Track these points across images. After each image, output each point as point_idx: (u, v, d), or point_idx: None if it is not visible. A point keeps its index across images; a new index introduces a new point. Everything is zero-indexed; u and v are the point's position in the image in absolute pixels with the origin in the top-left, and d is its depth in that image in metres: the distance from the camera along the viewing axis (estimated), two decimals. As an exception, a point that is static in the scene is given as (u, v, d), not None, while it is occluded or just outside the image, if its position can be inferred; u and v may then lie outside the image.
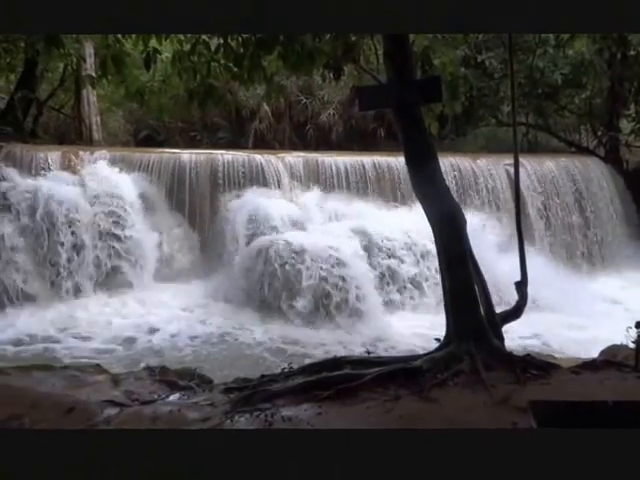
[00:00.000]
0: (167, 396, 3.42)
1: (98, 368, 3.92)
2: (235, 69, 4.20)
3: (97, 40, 5.89)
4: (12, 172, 7.69)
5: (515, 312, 3.78)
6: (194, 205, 8.31)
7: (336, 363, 3.44)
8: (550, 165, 9.34)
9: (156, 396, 3.42)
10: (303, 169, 8.68)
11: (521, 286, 3.82)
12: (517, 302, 3.80)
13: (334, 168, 8.65)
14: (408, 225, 7.59)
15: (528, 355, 3.51)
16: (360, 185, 8.63)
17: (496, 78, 8.53)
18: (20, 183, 7.56)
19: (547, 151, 11.41)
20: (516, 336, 5.03)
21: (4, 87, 11.42)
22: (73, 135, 11.15)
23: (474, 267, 3.60)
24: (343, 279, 6.98)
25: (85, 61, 8.98)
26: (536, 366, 3.34)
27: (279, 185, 8.42)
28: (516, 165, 4.12)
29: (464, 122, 10.22)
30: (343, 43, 4.47)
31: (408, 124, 3.59)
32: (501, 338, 3.56)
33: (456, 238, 3.58)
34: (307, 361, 4.27)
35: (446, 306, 3.59)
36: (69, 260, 7.42)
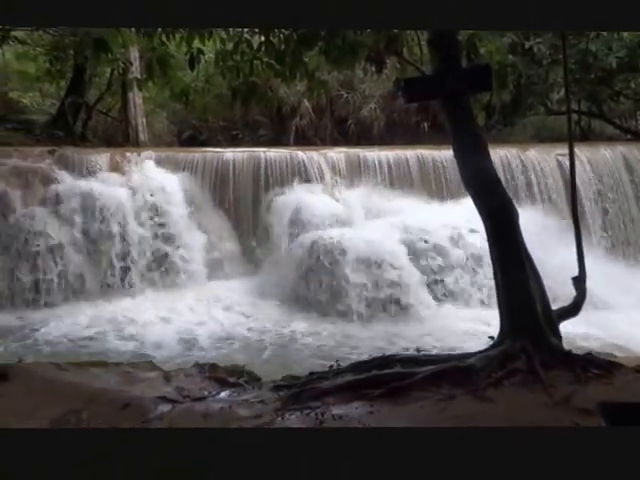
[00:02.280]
0: (217, 393, 3.46)
1: (150, 365, 4.01)
2: (277, 66, 4.20)
3: (142, 44, 6.03)
4: (64, 174, 8.01)
5: (573, 309, 3.61)
6: (238, 203, 8.40)
7: (386, 361, 3.39)
8: (605, 154, 8.87)
9: (206, 393, 3.47)
10: (345, 165, 8.62)
11: (579, 282, 3.64)
12: (575, 298, 3.63)
13: (377, 163, 8.55)
14: (455, 220, 7.40)
15: (589, 353, 3.34)
16: (404, 180, 8.49)
17: (545, 65, 8.17)
18: (72, 185, 7.86)
19: (601, 139, 10.87)
20: (574, 334, 4.80)
21: (55, 93, 11.91)
22: (120, 137, 11.50)
23: (528, 261, 3.47)
24: (388, 275, 6.89)
25: (132, 64, 9.23)
26: (598, 365, 3.18)
27: (322, 181, 8.40)
28: (571, 155, 3.92)
29: (512, 111, 9.86)
30: (385, 36, 4.39)
31: (456, 115, 3.47)
32: (559, 336, 3.41)
33: (509, 232, 3.46)
34: (355, 359, 4.22)
35: (499, 302, 3.47)
36: (119, 258, 7.67)
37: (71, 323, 6.74)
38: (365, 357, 3.91)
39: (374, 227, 7.66)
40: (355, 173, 8.57)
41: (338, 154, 8.85)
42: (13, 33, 9.69)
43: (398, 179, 8.50)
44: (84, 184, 7.85)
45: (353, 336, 6.34)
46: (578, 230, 3.75)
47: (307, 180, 8.37)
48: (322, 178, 8.45)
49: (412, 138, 10.96)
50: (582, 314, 3.62)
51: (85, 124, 11.50)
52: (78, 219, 7.61)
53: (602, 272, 5.67)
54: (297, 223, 7.79)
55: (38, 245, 7.30)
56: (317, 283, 7.04)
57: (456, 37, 3.65)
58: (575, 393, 2.85)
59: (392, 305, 6.79)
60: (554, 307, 3.51)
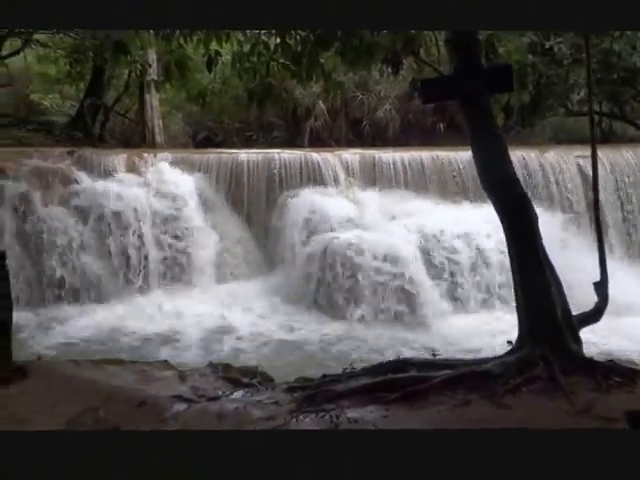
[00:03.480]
0: (231, 393, 3.47)
1: (165, 364, 4.04)
2: (293, 67, 4.19)
3: (160, 46, 6.09)
4: (83, 175, 8.11)
5: (594, 314, 3.54)
6: (252, 204, 8.42)
7: (401, 364, 3.37)
8: (628, 156, 8.68)
9: (220, 393, 3.48)
10: (360, 166, 8.58)
11: (601, 287, 3.57)
12: (596, 304, 3.56)
13: (392, 164, 8.49)
14: (472, 223, 7.32)
15: (611, 361, 3.28)
16: (419, 182, 8.42)
17: (565, 65, 8.01)
18: (90, 185, 7.95)
19: (623, 141, 10.67)
20: (595, 340, 4.72)
21: (74, 95, 12.09)
22: (137, 138, 11.62)
23: (547, 265, 3.41)
24: (402, 278, 6.85)
25: (150, 66, 9.32)
26: (619, 373, 3.11)
27: (336, 183, 8.38)
28: (594, 158, 3.84)
29: (531, 112, 9.70)
30: (402, 36, 4.35)
31: (475, 115, 3.43)
32: (579, 342, 3.34)
33: (528, 235, 3.40)
34: (368, 362, 4.18)
35: (518, 307, 3.41)
36: (134, 258, 7.74)
37: (87, 322, 6.82)
38: (379, 360, 3.87)
39: (388, 229, 7.61)
40: (370, 175, 8.53)
41: (353, 155, 8.82)
42: (35, 36, 9.85)
43: (413, 181, 8.43)
44: (102, 184, 7.94)
45: (366, 339, 6.31)
46: (600, 234, 3.68)
47: (321, 182, 8.36)
48: (337, 180, 8.43)
49: (428, 139, 10.88)
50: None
51: (103, 125, 11.65)
52: (95, 219, 7.70)
53: (622, 278, 5.56)
54: (311, 225, 7.77)
55: (56, 244, 7.40)
56: (330, 285, 7.02)
57: (476, 36, 3.60)
58: (597, 401, 2.79)
59: (405, 308, 6.74)
60: (574, 312, 3.44)
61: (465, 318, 6.90)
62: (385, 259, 7.00)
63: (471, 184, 7.95)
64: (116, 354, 5.43)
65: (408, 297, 6.83)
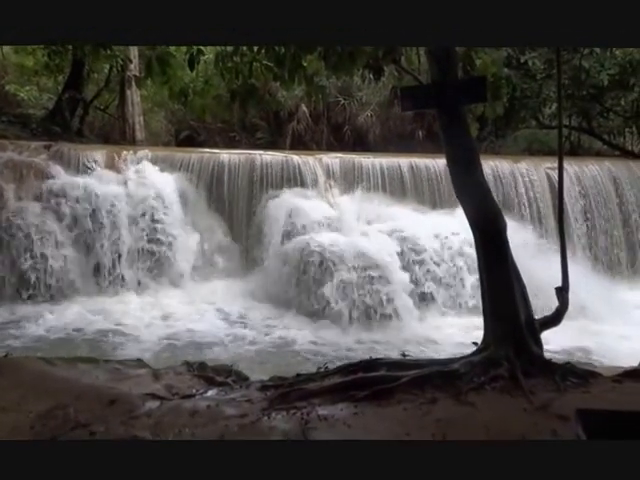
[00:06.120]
0: (205, 391, 3.50)
1: (139, 362, 4.03)
2: (276, 69, 4.26)
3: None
4: (59, 170, 8.00)
5: (555, 318, 3.68)
6: (232, 205, 8.46)
7: (372, 364, 3.45)
8: (593, 169, 9.04)
9: (195, 391, 3.50)
10: (340, 170, 8.71)
11: (562, 292, 3.72)
12: (557, 308, 3.70)
13: (371, 169, 8.64)
14: (445, 228, 7.50)
15: (568, 363, 3.43)
16: (397, 187, 8.59)
17: (539, 79, 8.29)
18: (67, 181, 7.85)
19: (590, 154, 11.07)
20: (556, 344, 4.90)
21: (52, 88, 11.90)
22: (117, 135, 11.51)
23: (514, 271, 3.55)
24: (378, 282, 6.96)
25: (131, 62, 9.24)
26: (576, 374, 3.26)
27: (316, 186, 8.48)
28: (560, 169, 4.00)
29: (504, 124, 10.00)
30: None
31: (451, 125, 3.55)
32: (540, 345, 3.49)
33: (496, 242, 3.53)
34: (342, 363, 4.27)
35: (484, 310, 3.54)
36: (111, 256, 7.67)
37: (59, 319, 6.73)
38: (351, 361, 3.96)
39: (366, 233, 7.73)
40: (349, 179, 8.66)
41: (333, 159, 8.93)
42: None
43: (391, 186, 8.60)
44: (79, 180, 7.86)
45: (340, 340, 6.40)
46: (563, 241, 3.83)
47: (302, 184, 8.44)
48: (316, 183, 8.53)
49: (407, 146, 11.08)
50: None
51: (82, 120, 11.50)
52: (71, 215, 7.62)
53: (584, 284, 5.78)
54: (290, 226, 7.85)
55: (30, 239, 7.29)
56: (307, 287, 7.10)
57: (454, 48, 3.73)
58: (554, 400, 2.93)
59: (380, 311, 6.86)
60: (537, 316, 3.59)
61: (439, 321, 7.06)
62: (362, 262, 7.11)
63: (447, 191, 8.15)
64: (88, 352, 5.40)
65: (383, 300, 6.95)
